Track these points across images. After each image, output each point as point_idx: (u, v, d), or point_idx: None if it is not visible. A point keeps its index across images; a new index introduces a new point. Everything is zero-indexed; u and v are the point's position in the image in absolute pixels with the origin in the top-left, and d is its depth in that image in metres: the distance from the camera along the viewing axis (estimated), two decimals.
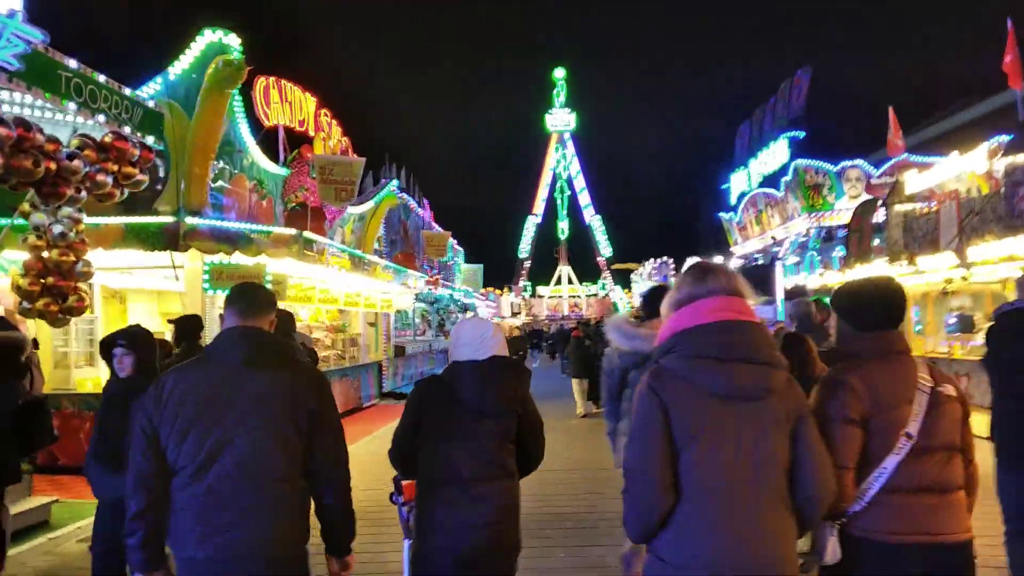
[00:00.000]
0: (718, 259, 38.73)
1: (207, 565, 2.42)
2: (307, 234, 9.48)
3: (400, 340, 22.04)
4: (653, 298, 3.88)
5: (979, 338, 15.54)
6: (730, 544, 2.05)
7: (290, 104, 12.98)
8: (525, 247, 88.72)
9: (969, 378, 15.23)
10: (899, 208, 17.18)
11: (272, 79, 12.36)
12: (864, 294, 2.63)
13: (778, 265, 30.65)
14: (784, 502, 2.15)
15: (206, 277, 8.91)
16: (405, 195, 23.89)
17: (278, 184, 12.47)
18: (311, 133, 13.87)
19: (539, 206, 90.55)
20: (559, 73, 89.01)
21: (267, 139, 12.95)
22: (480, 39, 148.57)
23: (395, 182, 18.01)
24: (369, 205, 17.29)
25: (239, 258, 9.15)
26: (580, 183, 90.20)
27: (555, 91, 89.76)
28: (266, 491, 2.46)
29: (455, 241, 35.37)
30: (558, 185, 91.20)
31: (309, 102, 13.94)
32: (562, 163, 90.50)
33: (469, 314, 27.40)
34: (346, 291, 13.72)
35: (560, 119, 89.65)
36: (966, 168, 14.18)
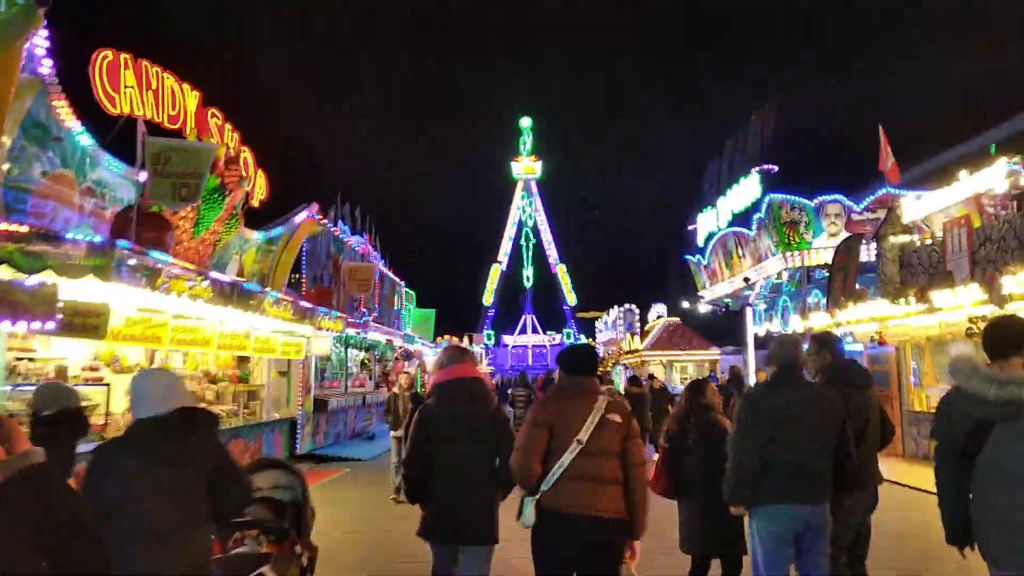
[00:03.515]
0: (685, 304, 36.66)
1: None
2: (127, 246, 6.72)
3: (328, 392, 19.09)
4: (1016, 332, 3.33)
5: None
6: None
7: (155, 93, 10.31)
8: (489, 294, 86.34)
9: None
10: (894, 240, 14.94)
11: (127, 57, 9.70)
12: (569, 352, 4.09)
13: (748, 312, 28.42)
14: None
15: None
16: (341, 226, 21.23)
17: (132, 190, 9.76)
18: (191, 135, 11.18)
19: (504, 253, 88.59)
20: (525, 122, 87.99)
21: (127, 136, 10.29)
22: (446, 85, 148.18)
23: (306, 208, 15.30)
24: (278, 231, 14.61)
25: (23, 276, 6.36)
26: (546, 231, 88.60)
27: (521, 138, 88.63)
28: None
29: (404, 284, 32.70)
30: (524, 232, 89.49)
31: (189, 97, 11.27)
32: (527, 211, 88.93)
33: (410, 365, 24.48)
34: (223, 331, 10.83)
35: (526, 167, 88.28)
36: (979, 189, 11.98)
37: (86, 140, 8.79)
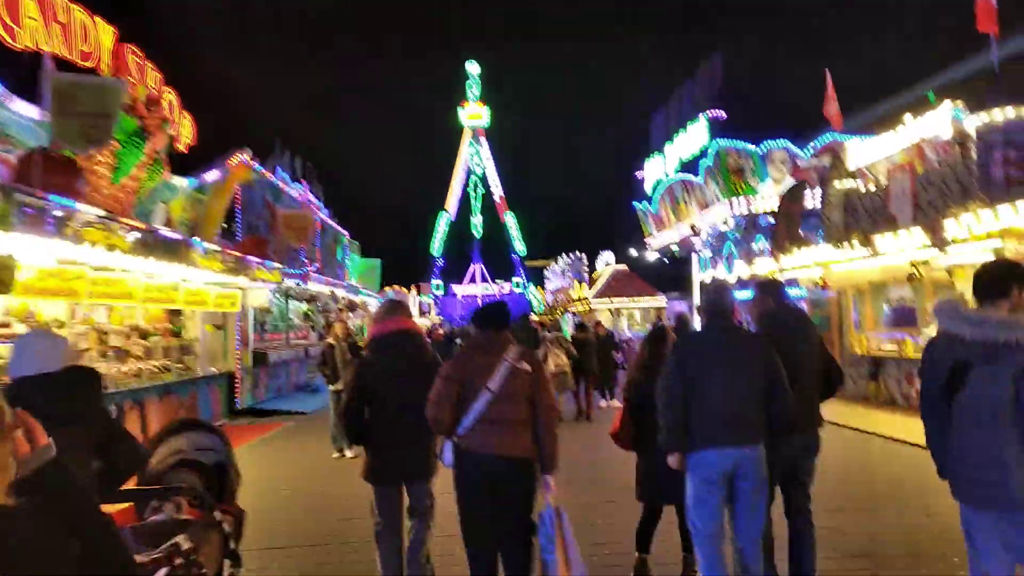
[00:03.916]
0: (632, 252, 36.74)
1: None
2: (25, 190, 6.12)
3: (268, 345, 18.54)
4: (1004, 275, 3.30)
5: (929, 333, 13.48)
6: None
7: (64, 27, 9.52)
8: (438, 244, 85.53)
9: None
10: (839, 186, 14.95)
11: None
12: (481, 310, 4.35)
13: (694, 259, 28.59)
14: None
15: None
16: (279, 174, 20.42)
17: (42, 135, 9.04)
18: (107, 74, 10.42)
19: (452, 202, 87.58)
20: (472, 68, 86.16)
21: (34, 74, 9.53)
22: (390, 25, 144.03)
23: (237, 154, 14.54)
24: (208, 178, 13.90)
25: None
26: (494, 178, 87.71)
27: (467, 83, 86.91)
28: None
29: (348, 234, 31.94)
30: (472, 180, 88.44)
31: (104, 32, 10.48)
32: (476, 159, 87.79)
33: (355, 316, 24.02)
34: (150, 283, 10.26)
35: (473, 113, 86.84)
36: (925, 134, 11.94)
37: None
